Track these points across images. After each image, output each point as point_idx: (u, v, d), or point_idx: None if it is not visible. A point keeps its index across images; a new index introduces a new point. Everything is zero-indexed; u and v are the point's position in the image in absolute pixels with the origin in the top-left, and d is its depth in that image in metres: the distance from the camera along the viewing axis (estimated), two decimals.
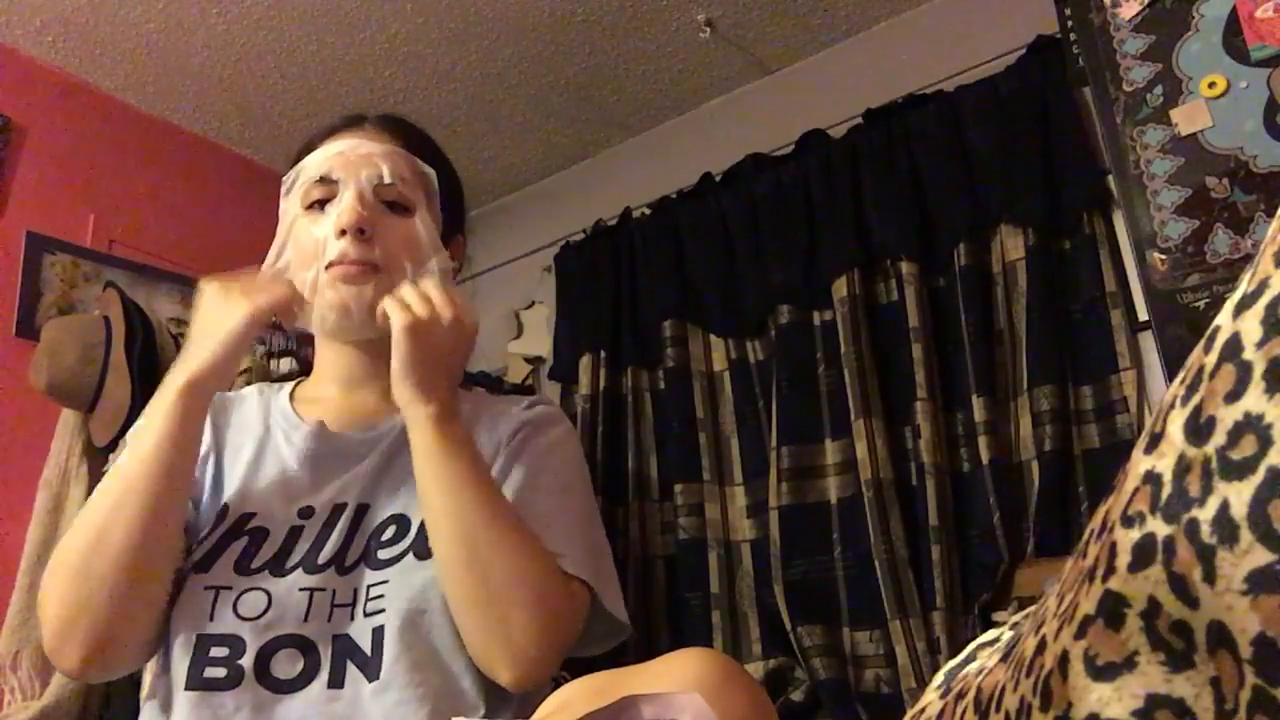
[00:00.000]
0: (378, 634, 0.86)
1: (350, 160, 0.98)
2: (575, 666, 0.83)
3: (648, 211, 2.54)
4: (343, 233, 0.94)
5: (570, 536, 0.92)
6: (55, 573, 0.85)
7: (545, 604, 0.84)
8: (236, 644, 0.85)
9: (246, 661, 0.84)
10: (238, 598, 0.87)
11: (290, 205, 1.00)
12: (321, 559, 0.89)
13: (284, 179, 1.01)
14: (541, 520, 0.91)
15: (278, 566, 0.89)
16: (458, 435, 0.89)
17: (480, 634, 0.84)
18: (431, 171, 1.03)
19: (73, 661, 0.83)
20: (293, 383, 1.09)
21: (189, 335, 0.93)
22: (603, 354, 2.44)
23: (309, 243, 0.96)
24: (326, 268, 0.94)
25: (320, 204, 0.98)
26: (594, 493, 1.04)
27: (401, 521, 0.92)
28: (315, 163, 0.99)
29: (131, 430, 0.93)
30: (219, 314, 0.90)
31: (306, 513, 0.92)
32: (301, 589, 0.87)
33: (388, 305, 0.91)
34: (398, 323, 0.89)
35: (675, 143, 2.65)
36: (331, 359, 1.05)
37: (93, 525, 0.84)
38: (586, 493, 1.01)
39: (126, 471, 0.86)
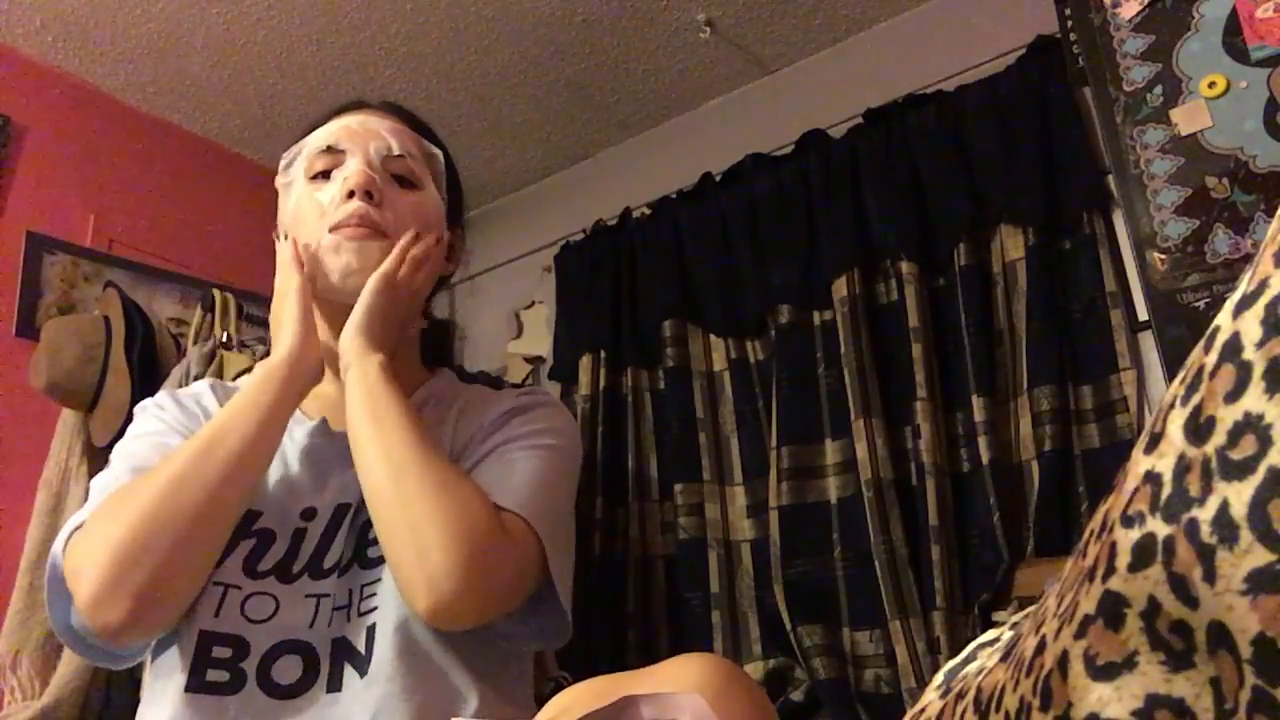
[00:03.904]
0: (370, 632, 0.84)
1: (357, 132, 0.97)
2: (577, 670, 0.82)
3: (648, 211, 2.54)
4: (350, 194, 0.92)
5: (529, 487, 0.88)
6: (105, 521, 0.80)
7: (467, 532, 0.79)
8: (240, 645, 0.83)
9: (249, 665, 0.83)
10: (245, 599, 0.85)
11: (292, 176, 0.98)
12: (327, 564, 0.88)
13: (283, 155, 0.99)
14: (508, 469, 0.88)
15: (284, 572, 0.87)
16: (397, 388, 0.89)
17: (399, 558, 0.81)
18: (439, 152, 1.02)
19: (117, 614, 0.77)
20: None
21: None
22: (603, 354, 2.44)
23: (312, 209, 0.94)
24: (331, 230, 0.92)
25: (324, 174, 0.96)
26: (577, 487, 0.99)
27: None
28: (320, 135, 0.98)
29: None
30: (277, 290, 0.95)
31: (309, 514, 0.91)
32: (308, 595, 0.86)
33: None
34: (374, 273, 0.92)
35: (675, 143, 2.65)
36: (332, 350, 1.01)
37: (167, 476, 0.81)
38: (561, 467, 0.95)
39: (208, 438, 0.85)
